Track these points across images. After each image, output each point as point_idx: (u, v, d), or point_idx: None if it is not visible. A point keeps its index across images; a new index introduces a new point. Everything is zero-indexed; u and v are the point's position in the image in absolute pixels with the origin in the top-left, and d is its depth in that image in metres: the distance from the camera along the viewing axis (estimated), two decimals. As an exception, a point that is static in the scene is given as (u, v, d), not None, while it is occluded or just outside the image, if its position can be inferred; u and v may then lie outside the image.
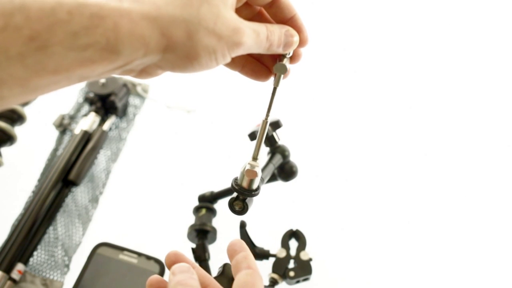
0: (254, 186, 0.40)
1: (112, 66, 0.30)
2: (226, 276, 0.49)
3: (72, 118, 0.79)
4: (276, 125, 0.57)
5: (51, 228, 0.67)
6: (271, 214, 0.70)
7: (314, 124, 0.82)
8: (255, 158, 0.39)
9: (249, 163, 0.39)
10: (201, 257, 0.61)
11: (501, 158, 0.78)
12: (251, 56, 0.40)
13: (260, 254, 0.60)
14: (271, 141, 0.58)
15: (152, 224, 0.69)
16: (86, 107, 0.80)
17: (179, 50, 0.31)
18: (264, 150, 0.62)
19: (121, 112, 0.79)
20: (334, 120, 0.83)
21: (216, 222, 0.64)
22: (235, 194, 0.40)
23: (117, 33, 0.28)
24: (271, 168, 0.56)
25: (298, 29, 0.39)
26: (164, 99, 0.82)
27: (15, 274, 0.61)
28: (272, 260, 0.60)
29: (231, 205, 0.41)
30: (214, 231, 0.63)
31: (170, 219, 0.69)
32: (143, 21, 0.29)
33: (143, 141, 0.79)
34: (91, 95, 0.78)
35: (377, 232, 0.69)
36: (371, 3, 1.01)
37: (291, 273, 0.58)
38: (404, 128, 0.82)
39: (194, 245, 0.62)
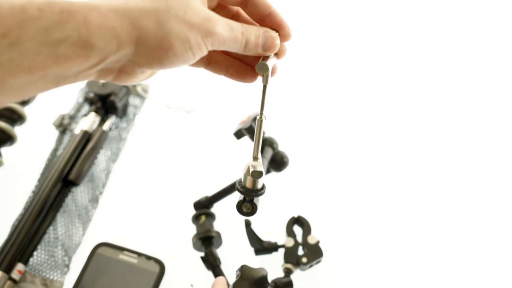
0: (259, 186, 0.40)
1: (88, 63, 0.30)
2: (245, 278, 0.49)
3: (72, 118, 0.79)
4: (255, 119, 0.57)
5: (51, 228, 0.67)
6: (271, 206, 0.69)
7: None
8: (255, 157, 0.39)
9: (251, 164, 0.39)
10: (212, 264, 0.60)
11: (504, 158, 0.78)
12: (234, 58, 0.39)
13: (269, 248, 0.60)
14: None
15: (152, 224, 0.69)
16: (86, 107, 0.80)
17: (151, 40, 0.31)
18: (250, 145, 0.61)
19: (121, 112, 0.79)
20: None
21: (216, 226, 0.64)
22: (241, 197, 0.40)
23: (87, 26, 0.29)
24: (265, 163, 0.56)
25: (278, 24, 0.38)
26: (164, 99, 0.82)
27: (15, 274, 0.61)
28: (282, 251, 0.60)
29: (239, 208, 0.41)
30: (218, 235, 0.62)
31: (170, 219, 0.69)
32: (112, 13, 0.30)
33: (143, 141, 0.79)
34: (91, 95, 0.78)
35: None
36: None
37: (304, 259, 0.58)
38: (398, 120, 0.82)
39: (202, 254, 0.62)
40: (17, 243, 0.63)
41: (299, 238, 0.61)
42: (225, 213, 0.65)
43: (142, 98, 0.83)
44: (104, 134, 0.76)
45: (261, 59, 0.38)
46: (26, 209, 0.67)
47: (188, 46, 0.32)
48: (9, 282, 0.61)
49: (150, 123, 0.81)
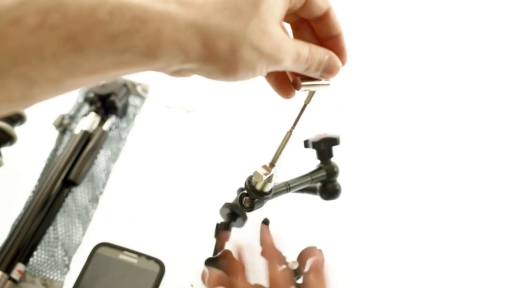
0: (266, 190, 0.40)
1: (148, 68, 0.29)
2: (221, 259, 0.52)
3: (72, 118, 0.79)
4: (332, 141, 0.54)
5: (51, 228, 0.67)
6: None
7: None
8: (272, 164, 0.39)
9: (262, 166, 0.39)
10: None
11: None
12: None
13: None
14: (321, 156, 0.55)
15: (152, 224, 0.69)
16: (86, 107, 0.80)
17: (219, 63, 0.30)
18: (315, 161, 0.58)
19: (121, 112, 0.79)
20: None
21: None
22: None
23: (158, 39, 0.27)
24: (307, 181, 0.52)
25: (339, 49, 0.37)
26: (164, 99, 0.82)
27: (15, 274, 0.61)
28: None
29: (240, 198, 0.41)
30: (244, 217, 0.63)
31: (170, 218, 0.69)
32: (187, 29, 0.28)
33: (143, 141, 0.79)
34: (91, 95, 0.78)
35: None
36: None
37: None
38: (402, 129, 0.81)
39: (220, 220, 0.63)
40: (17, 243, 0.63)
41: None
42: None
43: (142, 98, 0.83)
44: (104, 134, 0.76)
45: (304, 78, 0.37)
46: (26, 209, 0.67)
47: (252, 72, 0.32)
48: (9, 282, 0.61)
49: (150, 123, 0.81)
